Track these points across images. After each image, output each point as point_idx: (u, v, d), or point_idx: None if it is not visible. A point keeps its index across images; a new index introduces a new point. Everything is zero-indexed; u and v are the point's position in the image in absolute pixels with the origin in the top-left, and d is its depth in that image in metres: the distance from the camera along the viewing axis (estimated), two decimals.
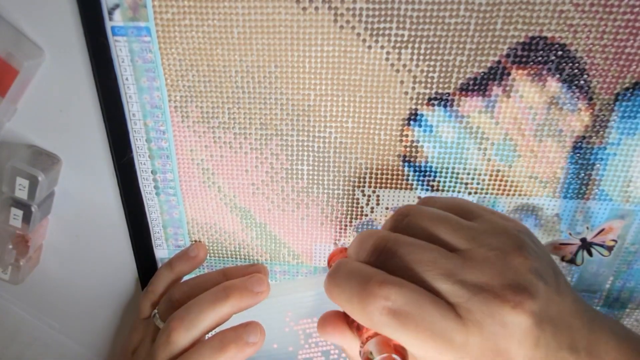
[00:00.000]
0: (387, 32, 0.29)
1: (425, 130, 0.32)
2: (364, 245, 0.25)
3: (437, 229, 0.24)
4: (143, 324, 0.37)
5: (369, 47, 0.30)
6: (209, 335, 0.33)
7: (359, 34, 0.30)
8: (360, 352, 0.24)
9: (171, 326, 0.32)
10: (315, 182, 0.35)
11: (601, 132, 0.31)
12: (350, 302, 0.23)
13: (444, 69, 0.30)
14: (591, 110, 0.30)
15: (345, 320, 0.26)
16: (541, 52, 0.29)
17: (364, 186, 0.35)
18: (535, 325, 0.21)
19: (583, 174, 0.33)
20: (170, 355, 0.32)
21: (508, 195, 0.34)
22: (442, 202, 0.27)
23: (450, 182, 0.34)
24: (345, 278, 0.23)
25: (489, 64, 0.30)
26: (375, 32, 0.30)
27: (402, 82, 0.31)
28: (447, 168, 0.33)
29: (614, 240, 0.35)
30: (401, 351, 0.22)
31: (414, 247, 0.23)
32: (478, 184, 0.34)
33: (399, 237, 0.24)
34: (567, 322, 0.23)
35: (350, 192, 0.35)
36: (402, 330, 0.21)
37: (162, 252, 0.40)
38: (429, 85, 0.31)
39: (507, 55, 0.29)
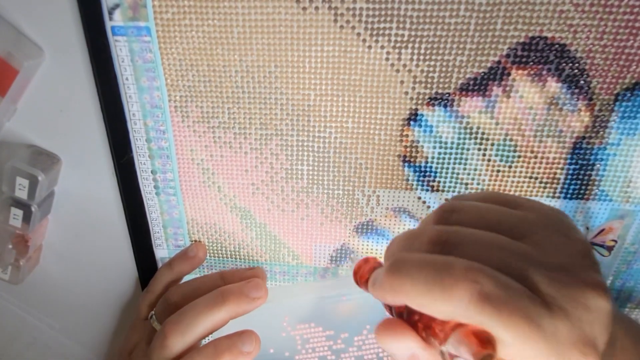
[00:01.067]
0: (387, 32, 0.29)
1: (425, 131, 0.32)
2: (414, 241, 0.23)
3: (492, 219, 0.23)
4: (141, 324, 0.37)
5: (369, 47, 0.30)
6: (206, 340, 0.33)
7: (359, 34, 0.30)
8: (442, 352, 0.21)
9: (166, 330, 0.32)
10: (315, 182, 0.35)
11: (601, 133, 0.31)
12: (431, 293, 0.20)
13: (444, 69, 0.30)
14: (591, 111, 0.30)
15: (408, 323, 0.23)
16: (541, 52, 0.29)
17: (363, 186, 0.35)
18: (611, 308, 0.20)
19: (583, 174, 0.33)
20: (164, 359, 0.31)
21: None
22: (478, 196, 0.26)
23: (450, 182, 0.34)
24: (417, 269, 0.21)
25: (489, 64, 0.30)
26: (375, 32, 0.30)
27: (402, 82, 0.31)
28: (447, 168, 0.33)
29: (613, 240, 0.35)
30: (492, 342, 0.19)
31: (477, 236, 0.21)
32: (478, 184, 0.34)
33: (458, 228, 0.22)
34: None
35: (350, 192, 0.35)
36: (497, 316, 0.19)
37: (162, 252, 0.40)
38: (429, 85, 0.31)
39: (507, 56, 0.29)
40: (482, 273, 0.20)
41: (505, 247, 0.21)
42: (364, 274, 0.28)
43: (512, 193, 0.28)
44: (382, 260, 0.26)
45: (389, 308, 0.25)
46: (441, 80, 0.31)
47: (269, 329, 0.36)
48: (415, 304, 0.21)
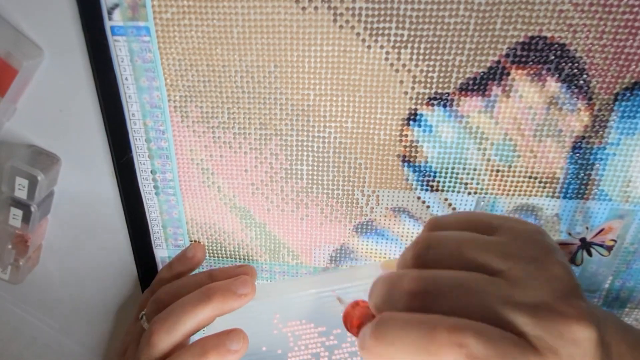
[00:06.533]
0: (386, 31, 0.29)
1: (424, 130, 0.32)
2: (394, 292, 0.22)
3: (468, 254, 0.22)
4: (134, 326, 0.37)
5: (369, 46, 0.30)
6: (194, 338, 0.33)
7: (358, 34, 0.30)
8: None
9: (152, 329, 0.31)
10: (315, 182, 0.35)
11: (601, 132, 0.31)
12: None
13: (443, 68, 0.30)
14: (590, 110, 0.30)
15: None
16: (541, 52, 0.29)
17: (363, 186, 0.35)
18: (599, 334, 0.20)
19: (582, 174, 0.33)
20: (151, 358, 0.31)
21: (508, 195, 0.34)
22: (454, 220, 0.25)
23: (450, 182, 0.34)
24: (400, 334, 0.20)
25: (488, 64, 0.30)
26: (374, 32, 0.30)
27: (401, 82, 0.31)
28: (447, 168, 0.33)
29: (613, 240, 0.35)
30: None
31: (456, 281, 0.21)
32: (478, 184, 0.34)
33: (435, 273, 0.22)
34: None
35: (350, 192, 0.35)
36: None
37: (161, 252, 0.40)
38: (428, 85, 0.31)
39: (507, 55, 0.29)
40: (467, 333, 0.19)
41: (485, 290, 0.21)
42: (353, 321, 0.27)
43: (490, 213, 0.27)
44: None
45: None
46: (441, 80, 0.31)
47: (260, 327, 0.36)
48: None
